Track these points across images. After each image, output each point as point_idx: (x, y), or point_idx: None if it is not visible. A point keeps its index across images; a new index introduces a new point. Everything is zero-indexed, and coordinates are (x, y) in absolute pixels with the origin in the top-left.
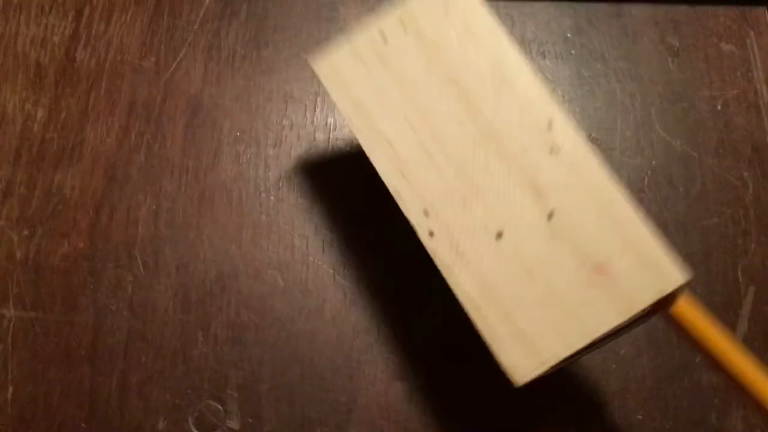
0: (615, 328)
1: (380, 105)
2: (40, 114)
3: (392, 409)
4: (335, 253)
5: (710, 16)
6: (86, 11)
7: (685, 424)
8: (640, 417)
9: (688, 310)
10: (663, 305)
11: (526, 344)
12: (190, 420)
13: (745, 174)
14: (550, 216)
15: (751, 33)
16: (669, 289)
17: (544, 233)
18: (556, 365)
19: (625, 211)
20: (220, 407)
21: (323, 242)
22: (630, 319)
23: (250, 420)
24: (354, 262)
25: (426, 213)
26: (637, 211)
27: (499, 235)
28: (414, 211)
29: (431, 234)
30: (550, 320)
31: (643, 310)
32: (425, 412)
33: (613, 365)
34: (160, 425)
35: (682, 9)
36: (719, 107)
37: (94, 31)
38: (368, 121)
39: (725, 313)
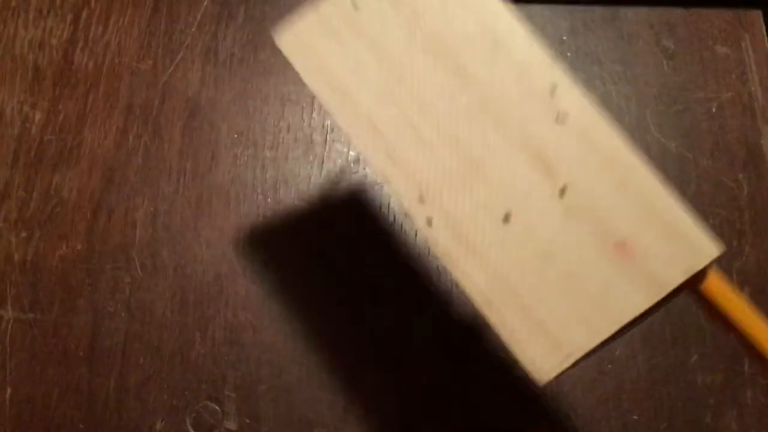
0: (644, 312)
1: (357, 80)
2: (38, 116)
3: (390, 409)
4: (332, 254)
5: (705, 19)
6: (84, 14)
7: (680, 423)
8: (635, 417)
9: (720, 286)
10: (692, 282)
11: (547, 338)
12: (188, 421)
13: (740, 176)
14: (562, 192)
15: (746, 36)
16: (701, 264)
17: (557, 212)
18: (582, 358)
19: (646, 179)
20: (217, 408)
21: (320, 243)
22: (660, 300)
23: (248, 421)
24: (352, 261)
25: (421, 199)
26: (659, 179)
27: (507, 218)
28: (407, 197)
29: (429, 222)
30: (571, 309)
31: (674, 290)
32: (425, 411)
33: (609, 366)
34: (158, 426)
35: (678, 12)
36: (714, 109)
37: (92, 34)
38: (345, 100)
39: None
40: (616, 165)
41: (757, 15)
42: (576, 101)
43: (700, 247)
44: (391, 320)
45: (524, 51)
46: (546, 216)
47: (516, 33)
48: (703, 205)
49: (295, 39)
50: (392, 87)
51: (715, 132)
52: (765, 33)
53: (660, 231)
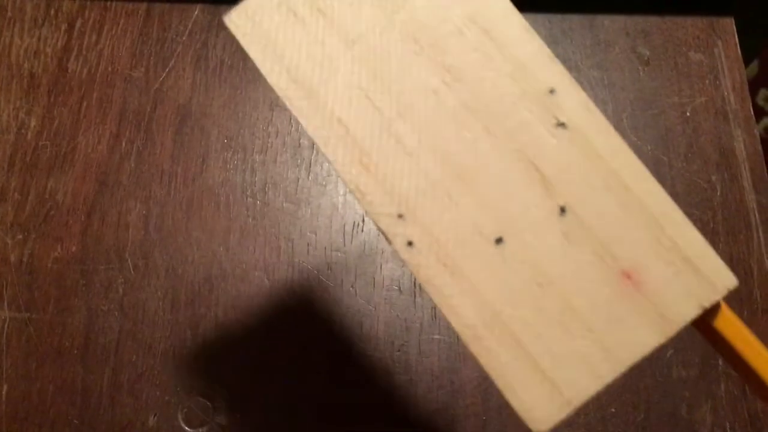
0: (654, 350)
1: (325, 73)
2: (33, 122)
3: (385, 406)
4: (319, 255)
5: (679, 27)
6: (78, 23)
7: (657, 416)
8: (613, 410)
9: (732, 321)
10: (704, 315)
11: (545, 381)
12: (180, 416)
13: (713, 177)
14: (561, 211)
15: (719, 42)
16: (718, 296)
17: (556, 234)
18: (584, 403)
19: (656, 198)
20: (208, 403)
21: (307, 244)
22: (671, 337)
23: (238, 416)
24: (338, 263)
25: (401, 216)
26: (669, 198)
27: (499, 241)
28: (384, 214)
29: (410, 244)
30: (571, 348)
31: (686, 325)
32: (421, 408)
33: None
34: (151, 421)
35: (653, 19)
36: (688, 114)
37: (85, 43)
38: (310, 96)
39: None
40: (622, 181)
41: (729, 22)
42: (578, 104)
43: (715, 277)
44: (381, 320)
45: (520, 44)
46: (543, 239)
47: (512, 23)
48: (678, 205)
49: (249, 20)
50: (367, 82)
51: (689, 135)
52: (737, 40)
53: (671, 258)
